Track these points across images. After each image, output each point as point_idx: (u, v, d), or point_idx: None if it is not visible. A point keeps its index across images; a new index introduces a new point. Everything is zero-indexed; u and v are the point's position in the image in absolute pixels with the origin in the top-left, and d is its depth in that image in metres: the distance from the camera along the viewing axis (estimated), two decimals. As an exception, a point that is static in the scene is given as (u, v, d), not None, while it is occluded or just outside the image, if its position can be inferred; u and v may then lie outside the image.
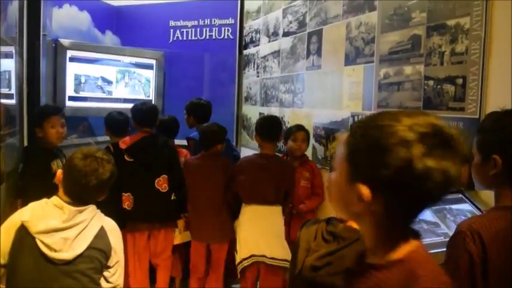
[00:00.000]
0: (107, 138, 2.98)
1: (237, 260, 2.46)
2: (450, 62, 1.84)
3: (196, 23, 4.16)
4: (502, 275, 0.98)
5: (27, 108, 2.67)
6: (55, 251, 1.35)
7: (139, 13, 4.26)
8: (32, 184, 2.12)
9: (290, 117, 3.22)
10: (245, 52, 4.05)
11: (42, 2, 2.88)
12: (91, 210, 1.46)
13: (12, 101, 2.38)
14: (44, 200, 1.44)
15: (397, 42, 2.15)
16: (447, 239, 1.08)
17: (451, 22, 1.84)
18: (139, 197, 2.53)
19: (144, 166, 2.54)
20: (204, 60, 4.16)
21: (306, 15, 3.01)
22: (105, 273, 1.47)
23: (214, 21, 4.10)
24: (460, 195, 1.73)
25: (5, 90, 2.16)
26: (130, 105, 2.81)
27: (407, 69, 2.08)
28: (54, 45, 3.21)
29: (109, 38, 4.16)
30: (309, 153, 2.84)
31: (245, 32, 4.04)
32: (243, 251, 2.43)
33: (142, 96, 3.85)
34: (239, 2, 4.01)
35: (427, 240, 1.46)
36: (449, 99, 1.84)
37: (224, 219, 2.58)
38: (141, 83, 3.91)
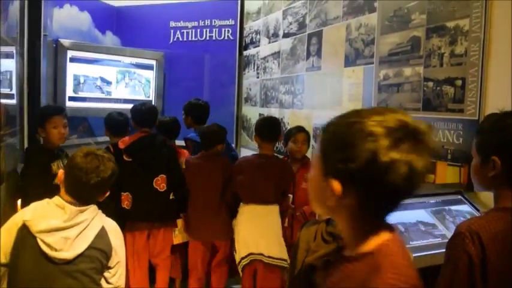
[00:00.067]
0: (107, 138, 2.99)
1: (237, 259, 2.48)
2: (449, 63, 1.85)
3: (196, 23, 4.17)
4: (501, 276, 0.98)
5: (27, 108, 2.67)
6: (56, 250, 1.35)
7: (139, 14, 4.27)
8: (31, 184, 2.11)
9: (290, 118, 3.22)
10: (245, 53, 4.05)
11: (43, 2, 2.88)
12: (92, 210, 1.46)
13: (13, 101, 2.38)
14: (46, 200, 1.45)
15: (397, 43, 2.15)
16: (445, 241, 1.09)
17: (450, 24, 1.85)
18: (137, 196, 2.54)
19: (142, 166, 2.55)
20: (204, 61, 4.17)
21: (306, 17, 3.02)
22: (106, 274, 1.47)
23: (215, 22, 4.11)
24: (459, 197, 1.74)
25: (5, 90, 2.16)
26: (130, 106, 2.80)
27: (407, 71, 2.08)
28: (54, 45, 3.21)
29: (109, 39, 4.16)
30: (309, 154, 2.85)
31: (245, 33, 4.05)
32: (241, 250, 2.46)
33: (142, 97, 3.86)
34: (239, 3, 4.02)
35: (424, 241, 1.47)
36: (449, 100, 1.85)
37: (224, 218, 2.61)
38: (141, 83, 3.91)
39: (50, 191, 1.50)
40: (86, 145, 3.26)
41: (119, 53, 3.79)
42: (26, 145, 2.64)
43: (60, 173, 1.48)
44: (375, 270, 0.69)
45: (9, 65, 2.25)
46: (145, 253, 2.62)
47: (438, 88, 1.90)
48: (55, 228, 1.37)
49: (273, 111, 3.45)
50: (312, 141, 2.86)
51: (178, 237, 2.73)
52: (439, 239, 1.50)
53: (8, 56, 2.23)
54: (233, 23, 4.05)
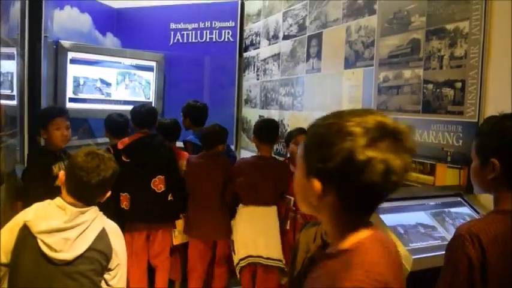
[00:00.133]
0: (107, 140, 2.99)
1: (235, 260, 2.49)
2: (449, 65, 1.85)
3: (196, 25, 4.18)
4: (501, 279, 0.98)
5: (27, 110, 2.67)
6: (55, 251, 1.35)
7: (140, 15, 4.28)
8: (31, 186, 2.11)
9: (290, 120, 3.22)
10: (245, 55, 4.06)
11: (43, 3, 2.88)
12: (93, 211, 1.46)
13: (13, 102, 2.38)
14: (48, 201, 1.45)
15: (397, 46, 2.16)
16: (444, 243, 1.09)
17: (450, 26, 1.85)
18: (136, 197, 2.55)
19: (140, 166, 2.56)
20: (204, 63, 4.17)
21: (306, 19, 3.03)
22: (106, 276, 1.47)
23: (215, 23, 4.11)
24: (459, 199, 1.74)
25: (6, 92, 2.16)
26: (130, 107, 2.82)
27: (407, 73, 2.09)
28: (55, 46, 3.21)
29: (110, 40, 4.17)
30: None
31: (245, 34, 4.06)
32: (240, 252, 2.48)
33: (142, 98, 3.86)
34: (239, 4, 4.03)
35: (424, 243, 1.47)
36: (448, 103, 1.85)
37: (224, 217, 2.65)
38: (141, 85, 3.92)
39: (51, 193, 1.49)
40: (86, 146, 3.26)
41: (119, 54, 3.79)
42: (26, 146, 2.64)
43: (61, 174, 1.48)
44: (346, 267, 0.70)
45: (10, 66, 2.26)
46: (144, 254, 2.63)
47: (438, 90, 1.90)
48: (55, 229, 1.37)
49: (273, 113, 3.45)
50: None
51: (178, 238, 2.73)
52: (439, 241, 1.50)
53: (9, 57, 2.23)
54: (233, 24, 4.06)
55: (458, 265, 0.99)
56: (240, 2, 4.04)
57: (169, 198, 2.62)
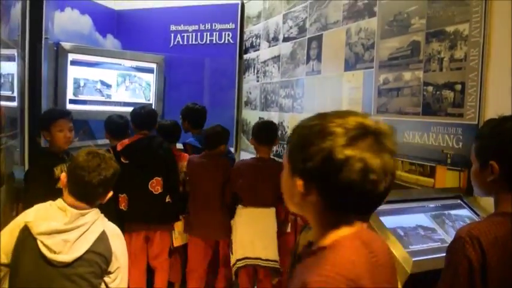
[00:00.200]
0: (107, 141, 2.99)
1: (232, 261, 2.51)
2: (449, 68, 1.86)
3: (196, 27, 4.18)
4: (501, 281, 0.98)
5: (28, 111, 2.67)
6: (55, 252, 1.35)
7: (140, 17, 4.28)
8: (32, 187, 2.11)
9: (290, 122, 3.23)
10: (245, 57, 4.06)
11: (44, 5, 2.89)
12: (94, 213, 1.46)
13: (14, 104, 2.39)
14: (49, 202, 1.45)
15: (397, 48, 2.16)
16: (444, 245, 1.09)
17: (450, 28, 1.85)
18: (134, 198, 2.55)
19: (139, 168, 2.56)
20: (205, 65, 4.18)
21: (306, 21, 3.03)
22: (106, 279, 1.46)
23: (215, 25, 4.12)
24: (459, 201, 1.74)
25: (7, 93, 2.16)
26: (130, 109, 2.82)
27: (407, 75, 2.09)
28: (55, 48, 3.22)
29: (110, 42, 4.17)
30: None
31: (245, 36, 4.06)
32: (238, 252, 2.49)
33: (142, 100, 3.87)
34: (240, 7, 4.04)
35: (423, 245, 1.47)
36: (448, 105, 1.85)
37: (224, 216, 2.66)
38: (141, 86, 3.92)
39: (52, 195, 1.49)
40: (87, 147, 3.26)
41: (120, 56, 3.80)
42: (26, 147, 2.64)
43: (63, 176, 1.48)
44: (318, 263, 0.71)
45: (11, 68, 2.26)
46: (143, 255, 2.63)
47: (438, 92, 1.91)
48: (55, 231, 1.37)
49: (273, 115, 3.45)
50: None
51: (178, 239, 2.73)
52: (439, 243, 1.49)
53: (10, 58, 2.23)
54: (233, 26, 4.07)
55: (459, 267, 0.99)
56: (240, 4, 4.05)
57: (167, 200, 2.62)
